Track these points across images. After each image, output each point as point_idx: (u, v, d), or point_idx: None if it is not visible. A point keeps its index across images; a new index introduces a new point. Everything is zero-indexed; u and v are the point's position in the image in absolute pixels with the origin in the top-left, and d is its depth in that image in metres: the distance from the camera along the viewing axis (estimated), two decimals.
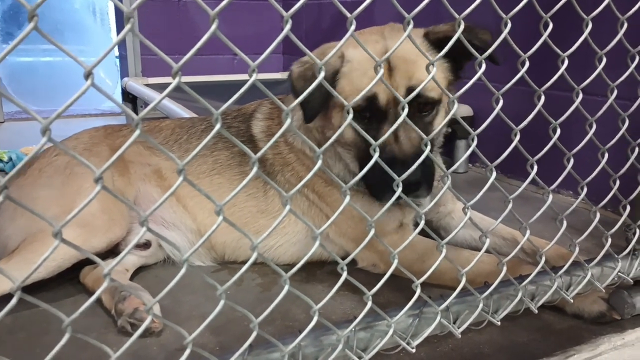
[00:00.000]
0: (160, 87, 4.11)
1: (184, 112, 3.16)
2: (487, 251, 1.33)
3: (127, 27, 0.69)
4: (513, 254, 1.41)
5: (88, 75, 0.67)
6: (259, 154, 0.87)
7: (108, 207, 1.78)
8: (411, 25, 0.98)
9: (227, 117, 2.16)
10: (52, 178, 1.83)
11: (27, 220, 1.70)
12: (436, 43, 1.68)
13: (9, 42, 6.53)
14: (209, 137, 0.78)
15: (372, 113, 1.64)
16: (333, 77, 1.66)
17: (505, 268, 1.31)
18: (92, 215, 1.73)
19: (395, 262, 1.10)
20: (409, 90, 1.59)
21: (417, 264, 1.66)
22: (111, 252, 1.90)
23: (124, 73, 4.97)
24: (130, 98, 4.39)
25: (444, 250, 1.19)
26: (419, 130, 1.11)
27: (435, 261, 1.20)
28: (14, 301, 0.68)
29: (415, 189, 1.57)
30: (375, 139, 1.04)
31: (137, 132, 0.69)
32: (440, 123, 1.65)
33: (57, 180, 1.82)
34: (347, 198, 0.99)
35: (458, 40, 1.07)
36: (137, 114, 1.94)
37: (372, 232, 1.05)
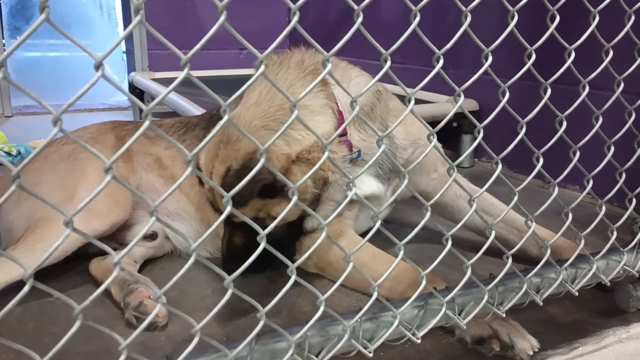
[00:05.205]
0: (166, 82, 4.11)
1: (190, 107, 3.14)
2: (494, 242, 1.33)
3: (137, 18, 0.70)
4: (521, 243, 1.43)
5: (98, 66, 0.68)
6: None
7: (111, 191, 1.79)
8: None
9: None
10: (57, 164, 1.86)
11: (31, 205, 1.73)
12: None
13: (16, 37, 6.57)
14: (217, 127, 0.79)
15: None
16: None
17: (511, 260, 1.32)
18: (94, 199, 1.72)
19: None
20: None
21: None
22: (118, 244, 1.92)
23: (130, 68, 4.98)
24: (137, 93, 4.40)
25: (449, 243, 1.20)
26: None
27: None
28: (26, 288, 0.69)
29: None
30: None
31: (147, 122, 0.70)
32: None
33: (62, 166, 1.85)
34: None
35: None
36: None
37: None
